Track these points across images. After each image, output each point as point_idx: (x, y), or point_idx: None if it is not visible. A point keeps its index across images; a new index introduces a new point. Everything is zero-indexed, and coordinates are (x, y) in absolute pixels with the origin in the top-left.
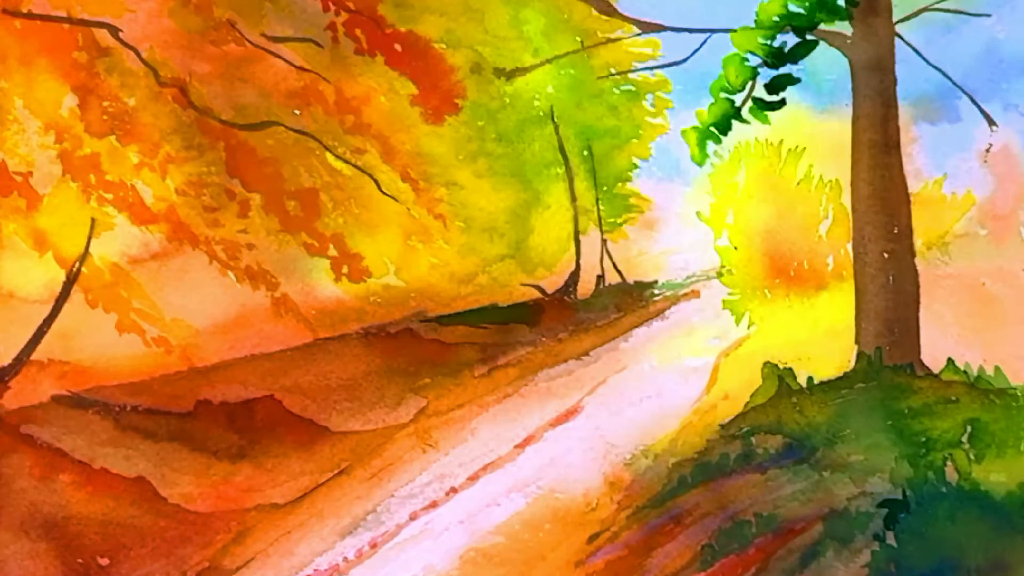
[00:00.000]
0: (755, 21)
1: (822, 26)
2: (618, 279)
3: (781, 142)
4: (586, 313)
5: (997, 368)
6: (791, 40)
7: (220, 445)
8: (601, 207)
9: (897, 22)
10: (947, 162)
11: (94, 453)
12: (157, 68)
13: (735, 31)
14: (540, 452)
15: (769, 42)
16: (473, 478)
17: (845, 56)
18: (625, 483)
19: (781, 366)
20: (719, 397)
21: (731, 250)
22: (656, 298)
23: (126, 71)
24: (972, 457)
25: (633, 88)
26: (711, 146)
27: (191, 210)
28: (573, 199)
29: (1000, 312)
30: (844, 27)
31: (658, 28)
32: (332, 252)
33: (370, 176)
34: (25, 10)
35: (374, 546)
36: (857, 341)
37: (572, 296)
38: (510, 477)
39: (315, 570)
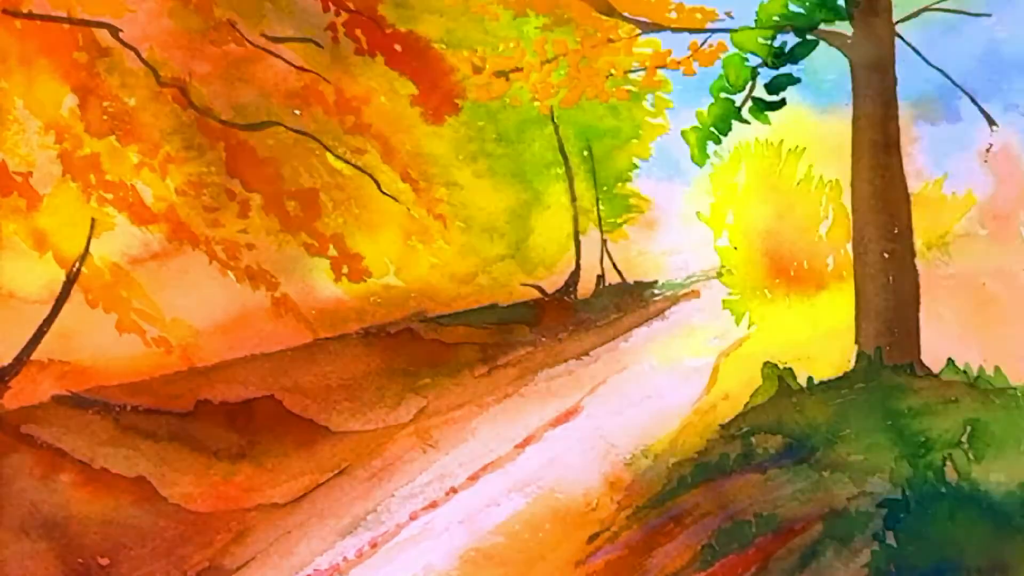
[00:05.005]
0: (755, 21)
1: (822, 26)
2: (618, 279)
3: (781, 142)
4: (586, 313)
5: (997, 368)
6: (791, 40)
7: (220, 445)
8: (601, 207)
9: (897, 22)
10: (947, 162)
11: (94, 453)
12: (157, 68)
13: (735, 31)
14: (540, 452)
15: (769, 42)
16: (473, 478)
17: (845, 56)
18: (625, 483)
19: (781, 366)
20: (719, 397)
21: (731, 250)
22: (656, 298)
23: (126, 71)
24: (972, 457)
25: (633, 88)
26: (711, 146)
27: (191, 210)
28: (573, 199)
29: (1000, 312)
30: (844, 27)
31: (658, 28)
32: (332, 252)
33: (370, 176)
34: (25, 10)
35: (374, 546)
36: (857, 341)
37: (572, 296)
38: (510, 477)
39: (315, 570)
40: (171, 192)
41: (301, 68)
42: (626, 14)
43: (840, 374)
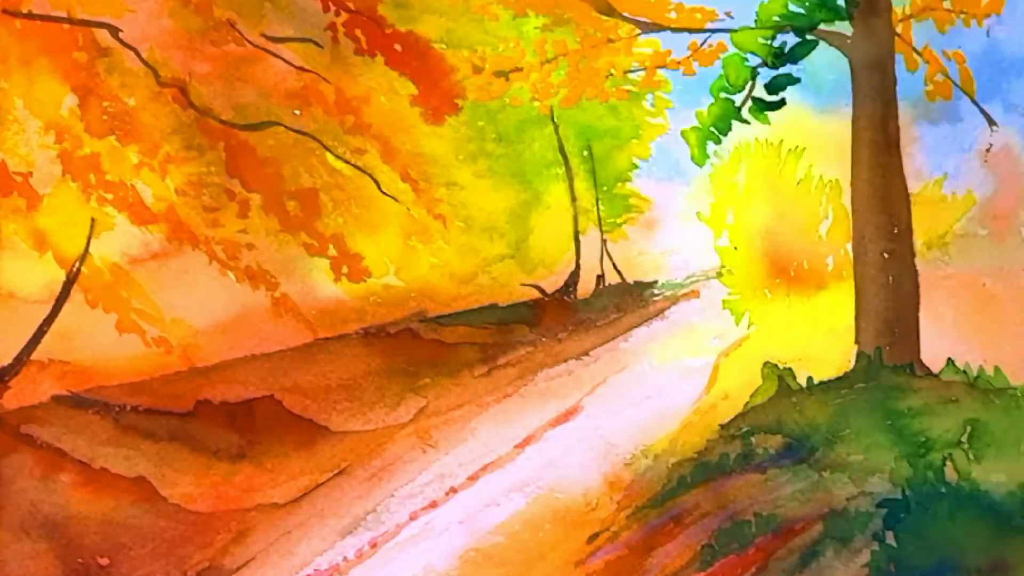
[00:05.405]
0: (755, 21)
1: (822, 26)
2: (618, 279)
3: (781, 142)
4: (586, 313)
5: (997, 368)
6: (791, 40)
7: (220, 445)
8: (601, 207)
9: (897, 22)
10: (947, 162)
11: (94, 453)
12: (157, 68)
13: (735, 31)
14: (540, 452)
15: (769, 42)
16: (473, 478)
17: (845, 56)
18: (625, 483)
19: (781, 366)
20: (719, 397)
21: (731, 250)
22: (656, 298)
23: (126, 71)
24: (972, 457)
25: (633, 88)
26: (711, 146)
27: (191, 210)
28: (573, 199)
29: (1000, 312)
30: (844, 27)
31: (658, 28)
32: (332, 252)
33: (370, 176)
34: (25, 10)
35: (374, 546)
36: (857, 341)
37: (572, 296)
38: (510, 477)
39: (315, 570)
40: (171, 192)
41: (301, 68)
42: (626, 14)
43: (840, 374)
